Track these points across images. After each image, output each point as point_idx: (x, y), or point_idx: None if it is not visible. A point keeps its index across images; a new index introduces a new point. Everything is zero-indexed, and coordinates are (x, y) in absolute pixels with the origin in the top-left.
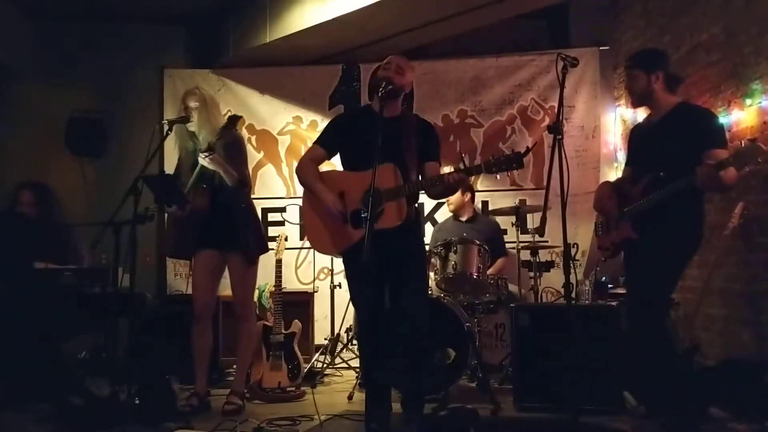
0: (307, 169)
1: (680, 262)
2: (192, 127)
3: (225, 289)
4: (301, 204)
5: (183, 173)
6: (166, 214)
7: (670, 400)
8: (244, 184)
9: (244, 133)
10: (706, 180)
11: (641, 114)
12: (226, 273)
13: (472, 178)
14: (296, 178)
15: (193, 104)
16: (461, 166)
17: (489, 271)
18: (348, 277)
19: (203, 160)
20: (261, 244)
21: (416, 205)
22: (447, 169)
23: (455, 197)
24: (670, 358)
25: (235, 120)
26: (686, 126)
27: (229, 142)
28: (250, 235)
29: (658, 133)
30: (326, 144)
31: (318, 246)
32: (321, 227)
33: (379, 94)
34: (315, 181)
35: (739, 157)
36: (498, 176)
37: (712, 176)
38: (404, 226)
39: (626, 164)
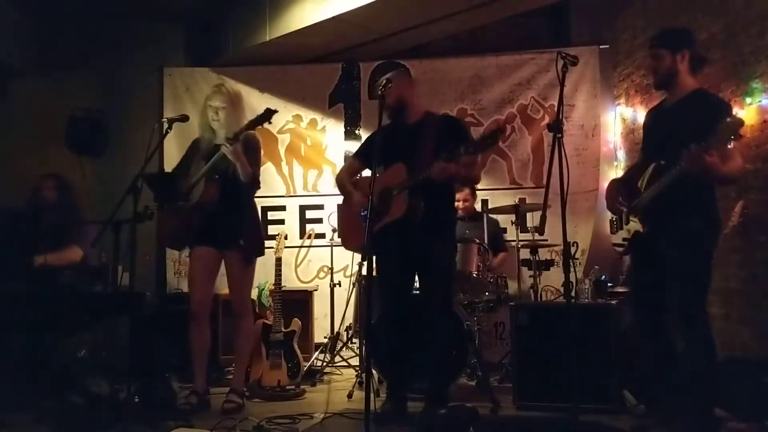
0: (341, 177)
1: (707, 254)
2: (216, 125)
3: (225, 287)
4: (301, 204)
5: (196, 161)
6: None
7: (699, 401)
8: (256, 183)
9: None
10: (690, 164)
11: (641, 111)
12: (223, 271)
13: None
14: (296, 177)
15: (219, 104)
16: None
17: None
18: (377, 271)
19: (226, 150)
20: (259, 246)
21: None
22: None
23: (469, 203)
24: (711, 360)
25: (271, 113)
26: (698, 115)
27: (250, 141)
28: (250, 234)
29: (669, 119)
30: (360, 156)
31: (346, 244)
32: (348, 227)
33: (379, 91)
34: (346, 185)
35: (719, 135)
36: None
37: (695, 160)
38: (427, 218)
39: (641, 150)
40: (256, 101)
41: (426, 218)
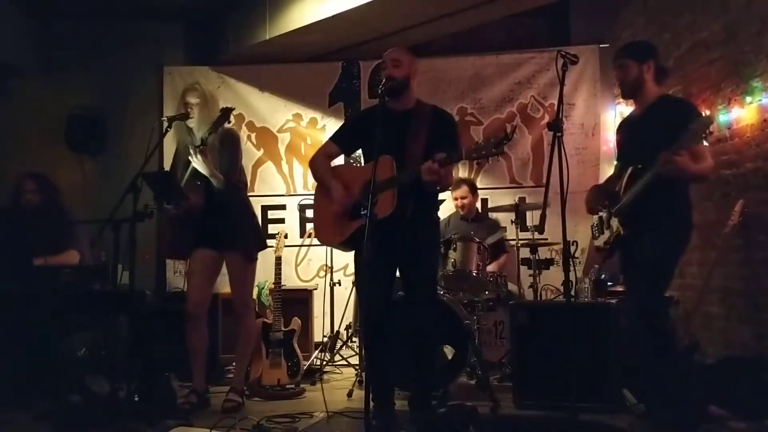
0: (319, 164)
1: (673, 253)
2: (191, 123)
3: (224, 286)
4: (300, 202)
5: (180, 168)
6: (164, 213)
7: (670, 399)
8: (232, 184)
9: (244, 130)
10: (665, 168)
11: None
12: (224, 270)
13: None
14: (296, 176)
15: (193, 100)
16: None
17: (491, 267)
18: (355, 270)
19: (195, 162)
20: (259, 242)
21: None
22: None
23: (468, 200)
24: (670, 355)
25: (228, 112)
26: (666, 119)
27: (226, 137)
28: (247, 233)
29: (640, 126)
30: (339, 140)
31: (321, 237)
32: (325, 219)
33: (379, 91)
34: (325, 174)
35: (689, 136)
36: (488, 161)
37: (669, 162)
38: (414, 218)
39: (616, 159)
40: (256, 100)
41: (413, 218)
